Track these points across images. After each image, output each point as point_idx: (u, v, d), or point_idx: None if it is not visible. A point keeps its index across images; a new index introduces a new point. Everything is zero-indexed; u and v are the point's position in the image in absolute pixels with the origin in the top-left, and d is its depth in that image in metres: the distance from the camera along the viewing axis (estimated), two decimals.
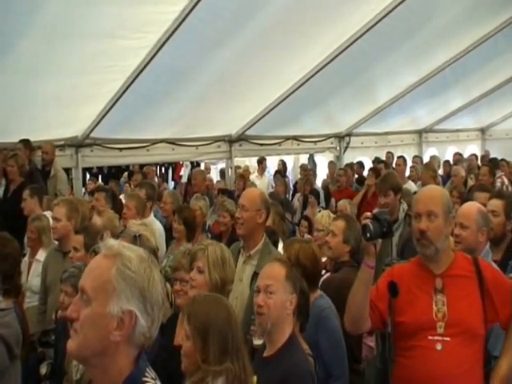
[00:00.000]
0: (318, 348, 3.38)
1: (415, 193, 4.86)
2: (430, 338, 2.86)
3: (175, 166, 15.16)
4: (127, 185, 10.59)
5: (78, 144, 8.95)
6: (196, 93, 8.81)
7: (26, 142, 7.86)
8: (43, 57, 7.00)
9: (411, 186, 9.05)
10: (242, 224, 3.99)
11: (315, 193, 9.56)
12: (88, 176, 12.09)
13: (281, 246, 4.65)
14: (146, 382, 1.69)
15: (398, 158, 10.97)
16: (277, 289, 2.95)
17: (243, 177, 10.21)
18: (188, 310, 2.62)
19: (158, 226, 5.98)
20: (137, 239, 4.02)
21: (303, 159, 13.13)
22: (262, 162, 12.15)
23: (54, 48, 6.89)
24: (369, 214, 2.90)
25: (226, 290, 3.31)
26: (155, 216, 6.54)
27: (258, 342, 3.28)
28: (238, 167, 11.36)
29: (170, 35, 7.13)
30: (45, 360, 3.99)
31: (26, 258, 5.41)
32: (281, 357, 2.88)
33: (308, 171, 11.08)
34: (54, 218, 4.94)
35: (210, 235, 6.32)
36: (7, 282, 3.65)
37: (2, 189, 7.39)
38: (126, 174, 13.72)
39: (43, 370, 3.97)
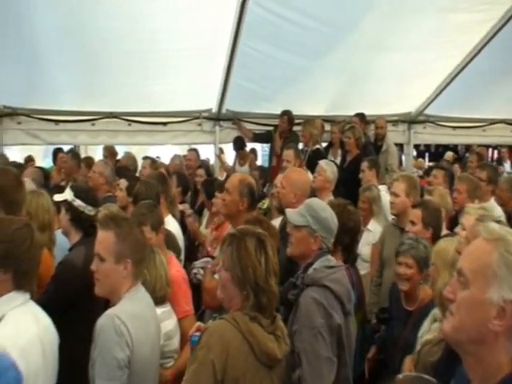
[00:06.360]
0: None
1: None
2: None
3: (509, 150, 14.02)
4: (456, 165, 10.22)
5: (410, 120, 8.97)
6: None
7: (361, 116, 8.17)
8: (386, 32, 7.11)
9: None
10: None
11: None
12: (415, 153, 11.98)
13: None
14: None
15: None
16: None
17: None
18: None
19: (499, 213, 5.51)
20: None
21: None
22: None
23: (396, 23, 6.95)
24: None
25: None
26: None
27: None
28: None
29: None
30: (378, 332, 4.11)
31: None
32: None
33: None
34: (393, 193, 4.97)
35: None
36: (348, 251, 3.84)
37: (338, 159, 7.80)
38: (449, 153, 13.26)
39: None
